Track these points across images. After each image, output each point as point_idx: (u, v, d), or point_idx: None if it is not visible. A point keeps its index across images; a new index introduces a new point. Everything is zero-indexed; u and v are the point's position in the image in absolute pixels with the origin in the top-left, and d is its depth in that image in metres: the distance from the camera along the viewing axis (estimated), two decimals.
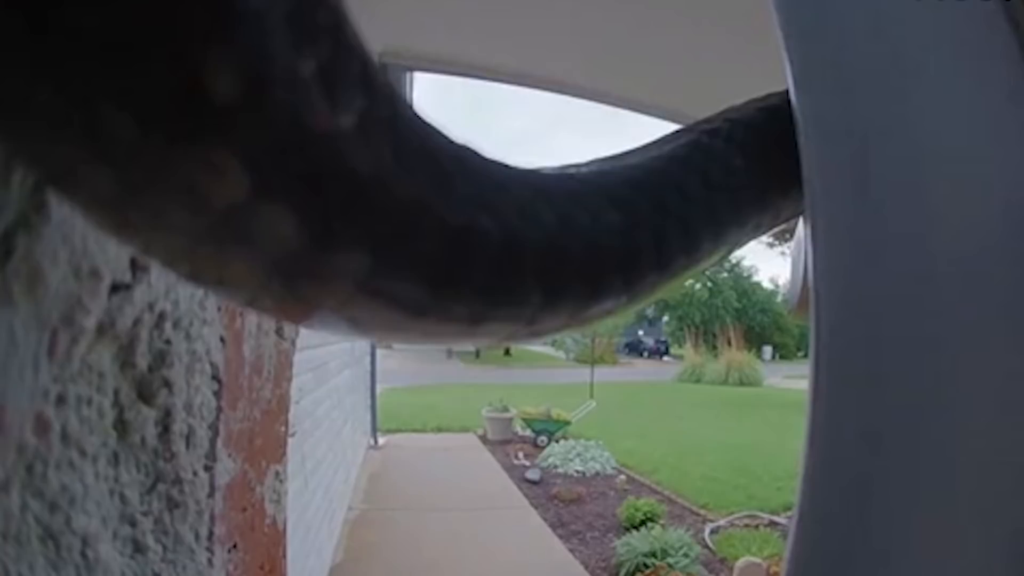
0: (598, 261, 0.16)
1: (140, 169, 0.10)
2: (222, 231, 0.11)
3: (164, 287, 0.25)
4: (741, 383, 14.75)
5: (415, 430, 7.86)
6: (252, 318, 0.37)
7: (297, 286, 0.12)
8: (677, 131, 0.20)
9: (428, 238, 0.13)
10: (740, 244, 0.20)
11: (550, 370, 17.90)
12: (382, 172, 0.12)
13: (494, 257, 0.14)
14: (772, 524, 4.57)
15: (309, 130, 0.11)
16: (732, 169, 0.19)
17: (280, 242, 0.11)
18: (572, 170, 0.17)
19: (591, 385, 10.26)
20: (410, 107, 0.13)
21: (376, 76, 0.12)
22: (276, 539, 0.43)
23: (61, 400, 0.19)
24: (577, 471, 5.94)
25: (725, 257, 0.21)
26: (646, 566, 3.75)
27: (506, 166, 0.15)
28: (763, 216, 0.20)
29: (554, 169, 0.17)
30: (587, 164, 0.18)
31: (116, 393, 0.23)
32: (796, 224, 0.25)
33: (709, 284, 24.96)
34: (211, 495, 0.30)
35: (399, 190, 0.12)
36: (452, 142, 0.14)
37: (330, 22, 0.11)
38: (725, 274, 25.58)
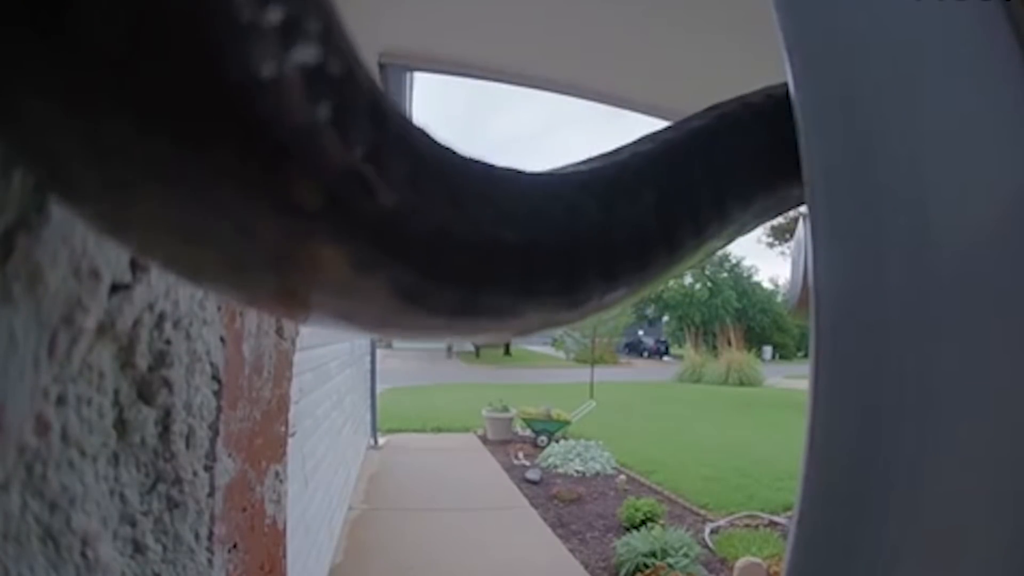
0: (612, 252, 0.17)
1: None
2: (272, 260, 0.13)
3: (164, 287, 0.25)
4: (741, 383, 14.73)
5: (415, 430, 7.85)
6: (252, 318, 0.37)
7: (348, 304, 0.14)
8: (670, 127, 0.20)
9: (452, 255, 0.14)
10: (748, 228, 0.21)
11: (550, 370, 17.89)
12: (402, 199, 0.13)
13: (515, 262, 0.15)
14: (772, 524, 4.56)
15: (333, 164, 0.12)
16: (737, 157, 0.20)
17: (324, 268, 0.13)
18: (578, 168, 0.18)
19: (591, 385, 10.26)
20: (423, 132, 0.14)
21: (385, 110, 0.13)
22: (276, 539, 0.43)
23: (61, 400, 0.19)
24: (577, 471, 5.94)
25: (732, 240, 0.21)
26: (646, 566, 3.75)
27: (517, 173, 0.16)
28: (769, 200, 0.20)
29: (557, 172, 0.18)
30: (588, 162, 0.18)
31: (116, 393, 0.23)
32: (796, 224, 0.25)
33: (709, 284, 24.96)
34: (211, 495, 0.30)
35: (418, 216, 0.14)
36: (465, 160, 0.15)
37: (343, 70, 0.12)
38: (725, 274, 25.58)
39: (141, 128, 0.10)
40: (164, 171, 0.11)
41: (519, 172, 0.17)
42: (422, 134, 0.14)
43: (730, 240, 0.21)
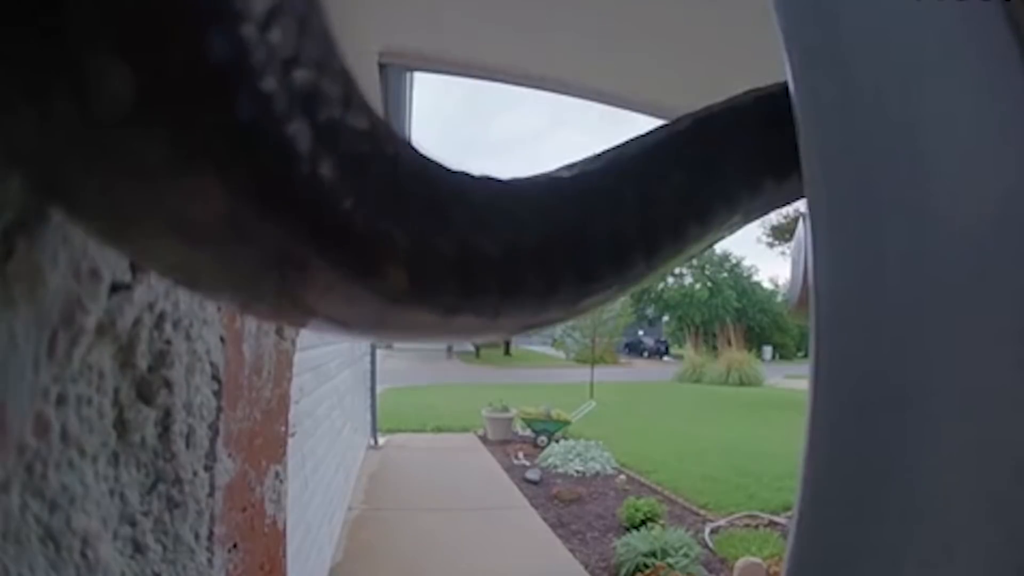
0: (623, 242, 0.18)
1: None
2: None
3: (164, 287, 0.25)
4: (741, 383, 14.73)
5: (415, 430, 7.85)
6: (252, 318, 0.37)
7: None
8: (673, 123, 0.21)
9: (520, 271, 0.16)
10: (755, 211, 0.21)
11: (550, 370, 17.89)
12: (464, 245, 0.15)
13: (534, 259, 0.17)
14: (772, 524, 4.56)
15: (411, 245, 0.14)
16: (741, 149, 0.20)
17: (416, 325, 0.15)
18: (582, 167, 0.19)
19: (591, 385, 10.26)
20: (462, 174, 0.16)
21: (436, 178, 0.15)
22: (276, 539, 0.44)
23: (61, 400, 0.19)
24: (577, 471, 5.94)
25: (742, 225, 0.22)
26: (646, 566, 3.75)
27: (525, 186, 0.18)
28: (777, 195, 0.21)
29: (551, 176, 0.18)
30: (591, 161, 0.19)
31: (116, 393, 0.23)
32: (796, 224, 0.25)
33: (709, 284, 24.94)
34: (211, 495, 0.30)
35: (484, 250, 0.15)
36: (497, 185, 0.17)
37: (393, 150, 0.13)
38: (725, 274, 25.57)
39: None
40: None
41: (528, 184, 0.18)
42: (460, 177, 0.16)
43: (730, 229, 0.21)
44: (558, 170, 0.18)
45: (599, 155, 0.19)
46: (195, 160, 0.10)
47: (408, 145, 0.14)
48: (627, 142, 0.20)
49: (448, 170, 0.15)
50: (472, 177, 0.16)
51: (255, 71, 0.10)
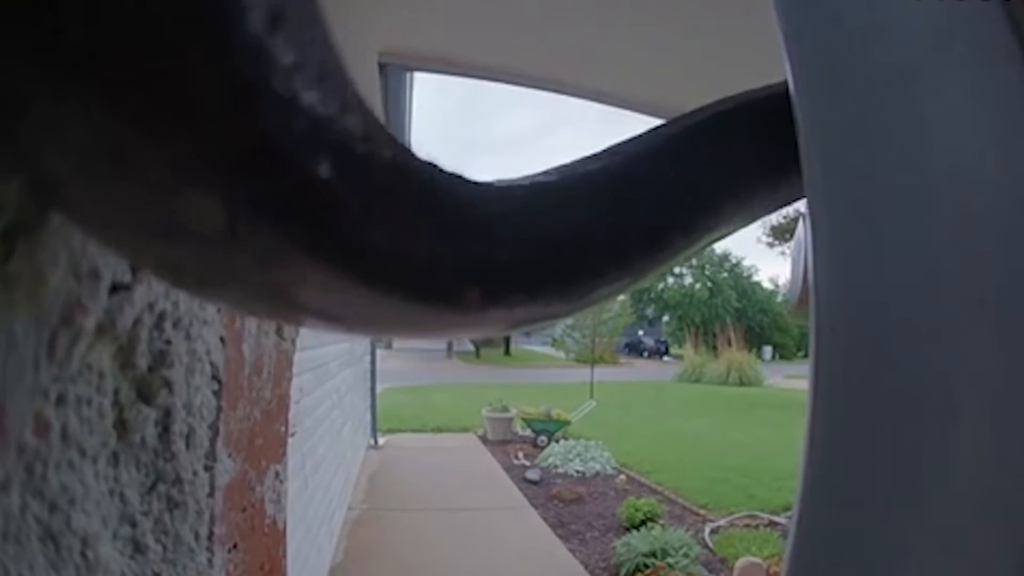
0: (657, 231, 0.19)
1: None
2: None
3: (164, 287, 0.25)
4: (741, 383, 14.72)
5: (415, 430, 7.85)
6: (252, 318, 0.37)
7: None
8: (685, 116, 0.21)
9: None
10: (768, 207, 0.21)
11: (550, 370, 17.90)
12: (514, 252, 0.16)
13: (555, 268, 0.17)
14: (772, 524, 4.56)
15: (483, 263, 0.15)
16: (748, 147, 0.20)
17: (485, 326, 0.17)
18: (590, 166, 0.19)
19: (591, 385, 10.25)
20: (495, 185, 0.16)
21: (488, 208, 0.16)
22: (276, 539, 0.44)
23: (61, 400, 0.19)
24: (577, 471, 5.94)
25: (751, 221, 0.22)
26: (646, 566, 3.75)
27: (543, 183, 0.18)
28: (792, 190, 0.21)
29: (564, 175, 0.18)
30: (594, 158, 0.19)
31: (116, 393, 0.23)
32: (796, 224, 0.25)
33: (709, 284, 24.94)
34: (211, 495, 0.30)
35: (527, 256, 0.16)
36: (517, 188, 0.17)
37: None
38: (725, 274, 25.57)
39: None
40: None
41: (544, 181, 0.18)
42: (498, 190, 0.16)
43: (747, 221, 0.21)
44: (585, 161, 0.19)
45: (623, 144, 0.19)
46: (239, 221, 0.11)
47: (446, 172, 0.15)
48: (648, 133, 0.20)
49: (487, 185, 0.16)
50: (510, 187, 0.17)
51: (285, 123, 0.10)
